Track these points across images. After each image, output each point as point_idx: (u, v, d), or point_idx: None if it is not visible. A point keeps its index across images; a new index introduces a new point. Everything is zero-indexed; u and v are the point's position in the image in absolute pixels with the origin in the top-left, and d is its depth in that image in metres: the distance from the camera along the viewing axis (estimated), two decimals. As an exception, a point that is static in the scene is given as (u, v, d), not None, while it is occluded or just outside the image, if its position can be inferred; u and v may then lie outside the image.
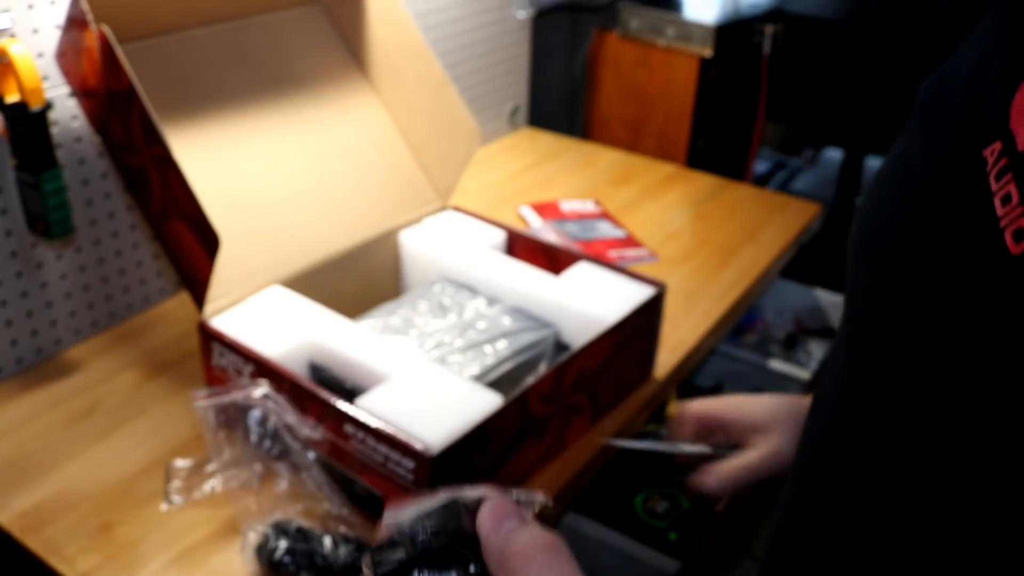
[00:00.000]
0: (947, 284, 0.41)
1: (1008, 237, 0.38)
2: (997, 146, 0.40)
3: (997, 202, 0.38)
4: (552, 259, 1.11)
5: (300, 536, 0.79)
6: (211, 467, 0.87)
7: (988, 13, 0.50)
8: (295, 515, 0.83)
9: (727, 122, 1.99)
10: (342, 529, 0.81)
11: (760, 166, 2.37)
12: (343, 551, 0.78)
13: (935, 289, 0.42)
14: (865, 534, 0.50)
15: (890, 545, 0.49)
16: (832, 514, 0.52)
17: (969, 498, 0.42)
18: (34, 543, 0.82)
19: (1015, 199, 0.38)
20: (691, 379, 1.54)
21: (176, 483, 0.88)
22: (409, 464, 0.77)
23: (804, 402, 0.81)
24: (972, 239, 0.40)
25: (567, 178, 1.59)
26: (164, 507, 0.86)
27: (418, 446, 0.76)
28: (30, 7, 0.95)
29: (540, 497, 0.46)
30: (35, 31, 0.96)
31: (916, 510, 0.45)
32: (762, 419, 0.82)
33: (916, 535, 0.46)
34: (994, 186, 0.39)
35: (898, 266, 0.46)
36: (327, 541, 0.78)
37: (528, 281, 1.05)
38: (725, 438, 0.84)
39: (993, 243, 0.38)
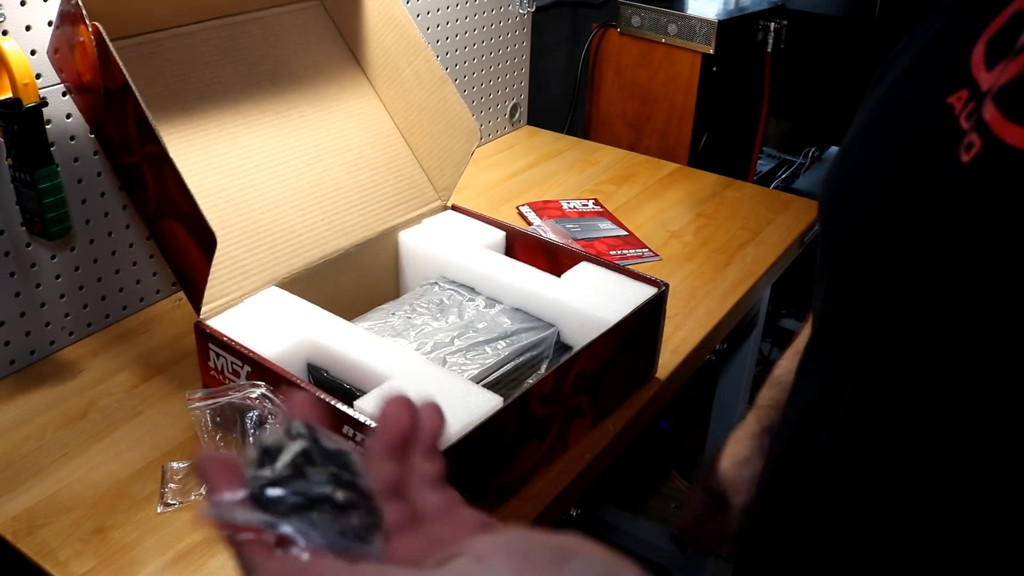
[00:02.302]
0: (919, 213, 0.45)
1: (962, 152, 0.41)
2: (963, 93, 0.44)
3: (966, 140, 0.42)
4: (553, 259, 1.10)
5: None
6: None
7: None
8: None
9: (729, 120, 1.98)
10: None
11: (763, 164, 2.36)
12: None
13: (910, 222, 0.45)
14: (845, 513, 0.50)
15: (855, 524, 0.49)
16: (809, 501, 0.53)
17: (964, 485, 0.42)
18: (27, 546, 0.81)
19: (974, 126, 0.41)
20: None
21: (171, 486, 0.86)
22: (408, 467, 0.76)
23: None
24: (944, 172, 0.43)
25: (568, 177, 1.58)
26: (159, 510, 0.85)
27: (417, 449, 0.75)
28: (23, 3, 0.94)
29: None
30: (28, 27, 0.95)
31: (911, 500, 0.45)
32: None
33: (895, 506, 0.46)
34: (964, 125, 0.43)
35: (877, 214, 0.49)
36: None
37: (529, 281, 1.03)
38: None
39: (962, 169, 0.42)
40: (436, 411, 0.38)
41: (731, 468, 0.80)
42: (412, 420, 0.37)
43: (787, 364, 0.79)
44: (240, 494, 0.33)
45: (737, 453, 0.81)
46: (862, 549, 0.48)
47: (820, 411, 0.52)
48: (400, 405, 0.37)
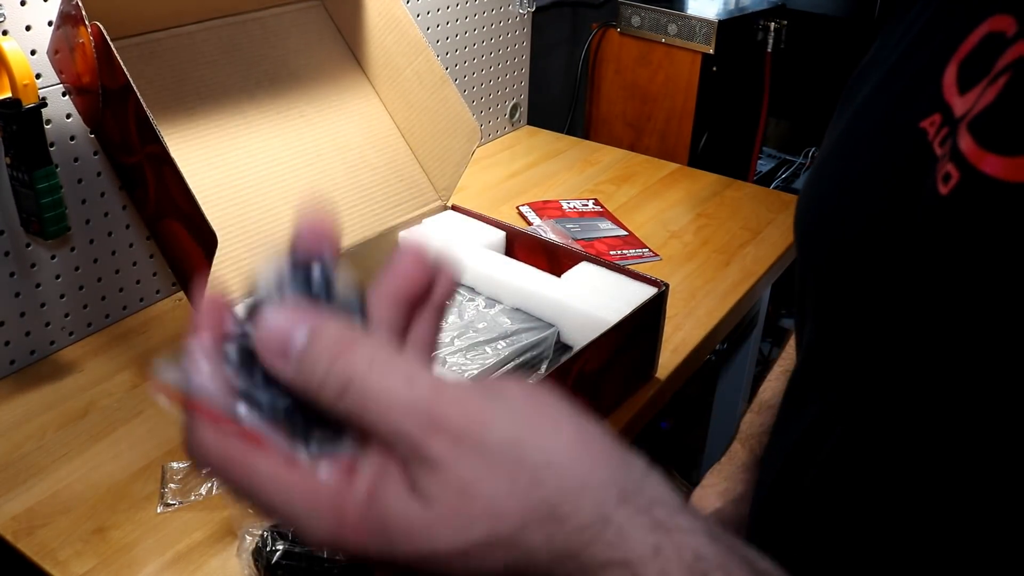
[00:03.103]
0: (895, 238, 0.44)
1: (939, 183, 0.40)
2: (936, 117, 0.43)
3: (942, 169, 0.41)
4: (553, 259, 1.09)
5: (297, 538, 0.77)
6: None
7: (912, 10, 0.54)
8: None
9: (729, 120, 1.98)
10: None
11: (763, 164, 2.36)
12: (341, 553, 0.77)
13: (886, 246, 0.44)
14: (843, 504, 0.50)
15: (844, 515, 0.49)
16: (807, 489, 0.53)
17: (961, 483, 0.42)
18: (27, 547, 0.81)
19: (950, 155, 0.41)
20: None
21: (171, 486, 0.86)
22: (408, 467, 0.76)
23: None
24: (918, 198, 0.42)
25: (568, 177, 1.58)
26: (159, 510, 0.85)
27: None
28: (23, 3, 0.94)
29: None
30: (28, 27, 0.95)
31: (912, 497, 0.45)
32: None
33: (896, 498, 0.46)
34: (938, 152, 0.42)
35: (851, 243, 0.48)
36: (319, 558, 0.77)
37: (529, 281, 1.03)
38: None
39: (936, 197, 0.41)
40: (450, 272, 0.36)
41: (728, 506, 0.75)
42: (426, 276, 0.36)
43: (774, 386, 0.76)
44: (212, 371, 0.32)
45: (731, 490, 0.76)
46: (856, 571, 0.48)
47: (811, 441, 0.52)
48: (417, 258, 0.36)
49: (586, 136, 1.98)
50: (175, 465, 0.88)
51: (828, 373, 0.52)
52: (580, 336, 0.98)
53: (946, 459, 0.42)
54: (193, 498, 0.85)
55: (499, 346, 0.96)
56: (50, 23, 0.95)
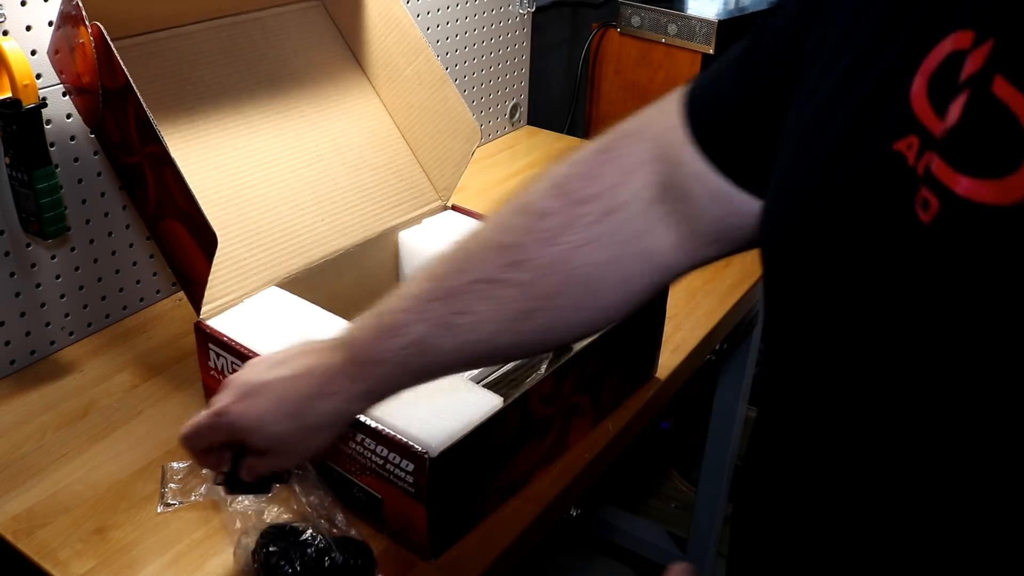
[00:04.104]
0: (880, 267, 0.42)
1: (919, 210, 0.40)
2: (913, 140, 0.41)
3: (920, 195, 0.40)
4: (553, 258, 1.09)
5: (295, 538, 0.77)
6: (207, 470, 0.86)
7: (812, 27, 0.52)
8: (290, 517, 0.82)
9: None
10: (336, 532, 0.79)
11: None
12: (338, 553, 0.77)
13: (871, 279, 0.43)
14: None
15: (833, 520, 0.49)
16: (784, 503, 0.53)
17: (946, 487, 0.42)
18: (27, 546, 0.81)
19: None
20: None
21: (171, 486, 0.86)
22: (409, 466, 0.76)
23: None
24: (904, 232, 0.41)
25: (568, 177, 1.57)
26: (159, 509, 0.85)
27: (418, 448, 0.75)
28: (23, 3, 0.94)
29: None
30: (28, 27, 0.95)
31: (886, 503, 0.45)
32: None
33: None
34: (920, 176, 0.40)
35: (832, 269, 0.45)
36: (323, 543, 0.77)
37: (529, 281, 1.03)
38: None
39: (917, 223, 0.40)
40: None
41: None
42: None
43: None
44: None
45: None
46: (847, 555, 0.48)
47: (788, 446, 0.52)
48: None
49: (586, 136, 1.98)
50: (175, 465, 0.88)
51: (802, 401, 0.50)
52: (580, 336, 0.98)
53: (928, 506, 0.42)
54: (193, 498, 0.85)
55: (499, 346, 0.96)
56: (50, 23, 0.95)
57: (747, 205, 0.59)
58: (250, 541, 0.78)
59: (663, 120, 0.62)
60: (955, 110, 0.39)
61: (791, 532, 0.52)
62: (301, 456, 0.70)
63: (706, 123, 0.60)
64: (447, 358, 0.65)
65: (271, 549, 0.76)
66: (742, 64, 0.59)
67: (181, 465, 0.88)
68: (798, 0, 0.54)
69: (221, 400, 0.68)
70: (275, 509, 0.82)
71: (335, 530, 0.80)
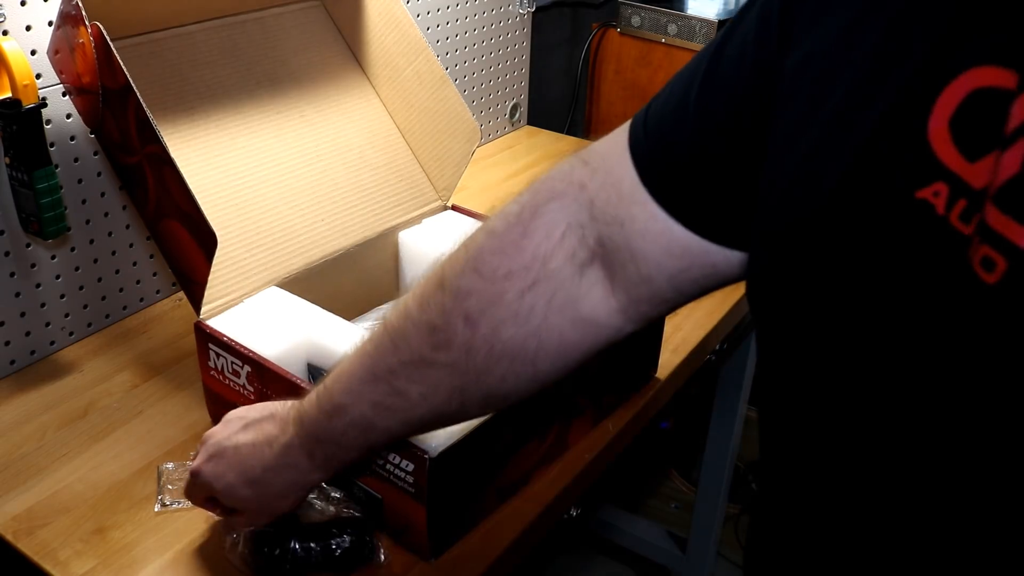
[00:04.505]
0: (926, 323, 0.39)
1: (979, 269, 0.37)
2: (940, 187, 0.38)
3: (979, 253, 0.37)
4: (553, 258, 1.09)
5: (295, 535, 0.77)
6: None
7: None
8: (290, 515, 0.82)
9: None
10: (335, 530, 0.79)
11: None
12: (337, 546, 0.77)
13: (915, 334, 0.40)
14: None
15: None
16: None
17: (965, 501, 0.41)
18: (27, 546, 0.81)
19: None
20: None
21: (169, 487, 0.86)
22: (409, 466, 0.76)
23: None
24: (958, 293, 0.38)
25: (568, 177, 1.57)
26: (157, 509, 0.85)
27: (417, 448, 0.75)
28: (23, 3, 0.94)
29: None
30: (28, 27, 0.95)
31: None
32: None
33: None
34: (964, 230, 0.37)
35: (857, 336, 0.42)
36: (322, 537, 0.77)
37: (529, 280, 1.03)
38: None
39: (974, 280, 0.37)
40: None
41: None
42: None
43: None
44: None
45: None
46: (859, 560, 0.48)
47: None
48: None
49: (586, 136, 1.98)
50: (170, 466, 0.89)
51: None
52: (580, 336, 0.97)
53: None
54: (193, 498, 0.85)
55: (499, 346, 0.96)
56: (50, 23, 0.95)
57: (713, 256, 0.54)
58: (251, 538, 0.78)
59: (603, 173, 0.56)
60: (1013, 160, 0.35)
61: (808, 534, 0.52)
62: (269, 516, 0.74)
63: (660, 169, 0.54)
64: (396, 432, 0.66)
65: (273, 545, 0.76)
66: (702, 92, 0.52)
67: (176, 466, 0.88)
68: (764, 24, 0.48)
69: (198, 458, 0.74)
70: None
71: (334, 527, 0.79)
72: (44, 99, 0.90)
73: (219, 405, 0.93)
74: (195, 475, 0.73)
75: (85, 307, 1.08)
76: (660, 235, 0.54)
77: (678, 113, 0.53)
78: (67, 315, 1.06)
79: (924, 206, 0.39)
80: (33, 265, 1.02)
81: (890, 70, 0.41)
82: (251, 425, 0.72)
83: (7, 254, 0.99)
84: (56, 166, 0.97)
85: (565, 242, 0.57)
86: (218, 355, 0.90)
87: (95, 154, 1.04)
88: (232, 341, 0.88)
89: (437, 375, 0.60)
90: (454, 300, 0.59)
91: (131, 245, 1.11)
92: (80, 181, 1.04)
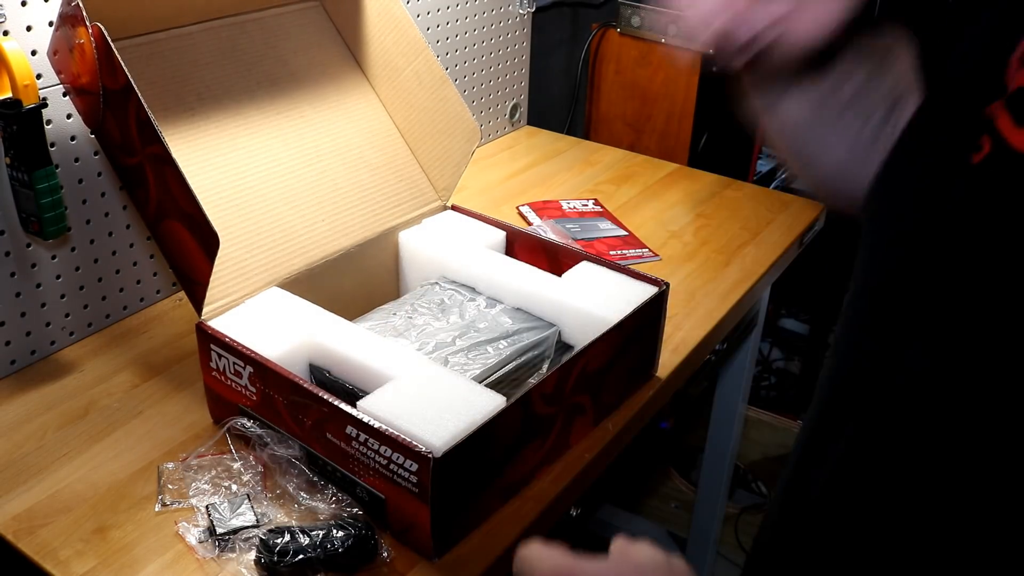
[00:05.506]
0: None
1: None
2: (1000, 103, 0.42)
3: (977, 141, 0.41)
4: (553, 259, 1.10)
5: (295, 534, 0.77)
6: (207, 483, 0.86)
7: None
8: (290, 514, 0.82)
9: (729, 120, 1.97)
10: (337, 530, 0.79)
11: (763, 165, 2.36)
12: (340, 545, 0.77)
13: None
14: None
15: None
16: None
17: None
18: (27, 546, 0.81)
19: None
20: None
21: (169, 486, 0.86)
22: (412, 466, 0.76)
23: None
24: (954, 173, 0.42)
25: (568, 177, 1.58)
26: (157, 508, 0.85)
27: (421, 448, 0.75)
28: (23, 3, 0.94)
29: None
30: (28, 28, 0.95)
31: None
32: None
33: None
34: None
35: (903, 218, 0.47)
36: (322, 537, 0.77)
37: (529, 281, 1.03)
38: None
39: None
40: None
41: None
42: None
43: None
44: None
45: None
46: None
47: (827, 433, 0.52)
48: None
49: (586, 136, 1.98)
50: (170, 466, 0.88)
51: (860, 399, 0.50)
52: (581, 336, 0.98)
53: (963, 447, 0.42)
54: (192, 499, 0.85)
55: (500, 345, 0.96)
56: (50, 23, 0.95)
57: None
58: (249, 541, 0.78)
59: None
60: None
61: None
62: None
63: None
64: None
65: (273, 544, 0.76)
66: None
67: (176, 466, 0.88)
68: None
69: None
70: (276, 506, 0.82)
71: (335, 527, 0.79)
72: (44, 99, 0.90)
73: (220, 405, 0.93)
74: None
75: (85, 307, 1.08)
76: None
77: None
78: (67, 315, 1.06)
79: (988, 122, 0.43)
80: (33, 265, 1.01)
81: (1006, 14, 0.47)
82: None
83: (7, 254, 0.99)
84: (56, 166, 0.97)
85: None
86: (220, 356, 0.90)
87: (95, 154, 1.04)
88: (234, 342, 0.88)
89: None
90: None
91: (131, 245, 1.11)
92: (80, 181, 1.04)
